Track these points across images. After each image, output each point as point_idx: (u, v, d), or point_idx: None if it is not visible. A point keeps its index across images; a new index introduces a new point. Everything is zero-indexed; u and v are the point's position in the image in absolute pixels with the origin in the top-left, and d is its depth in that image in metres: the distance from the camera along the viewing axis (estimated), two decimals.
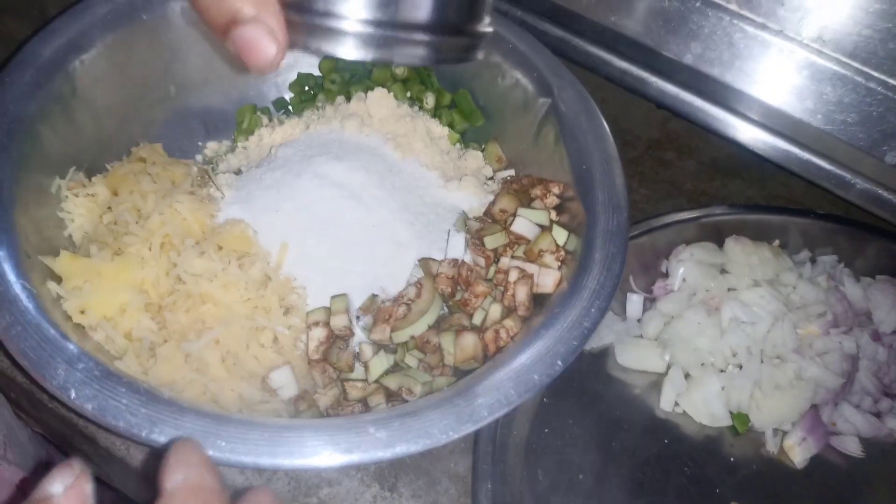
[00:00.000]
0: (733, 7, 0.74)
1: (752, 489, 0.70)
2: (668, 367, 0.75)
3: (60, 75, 0.74)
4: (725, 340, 0.73)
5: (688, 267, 0.77)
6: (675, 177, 0.93)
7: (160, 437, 0.54)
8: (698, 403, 0.73)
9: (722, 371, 0.74)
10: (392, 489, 0.68)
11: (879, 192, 0.77)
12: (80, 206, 0.72)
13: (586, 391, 0.74)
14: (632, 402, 0.74)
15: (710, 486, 0.70)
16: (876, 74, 0.71)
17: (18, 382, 0.73)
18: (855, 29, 0.70)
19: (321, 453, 0.55)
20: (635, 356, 0.75)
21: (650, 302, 0.79)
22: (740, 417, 0.72)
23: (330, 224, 0.72)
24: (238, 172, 0.81)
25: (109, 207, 0.72)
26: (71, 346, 0.57)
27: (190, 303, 0.66)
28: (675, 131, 0.97)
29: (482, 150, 0.84)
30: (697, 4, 0.75)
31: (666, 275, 0.79)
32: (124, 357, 0.64)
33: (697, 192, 0.91)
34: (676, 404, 0.74)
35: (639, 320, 0.78)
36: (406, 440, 0.55)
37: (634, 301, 0.78)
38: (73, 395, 0.55)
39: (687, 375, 0.74)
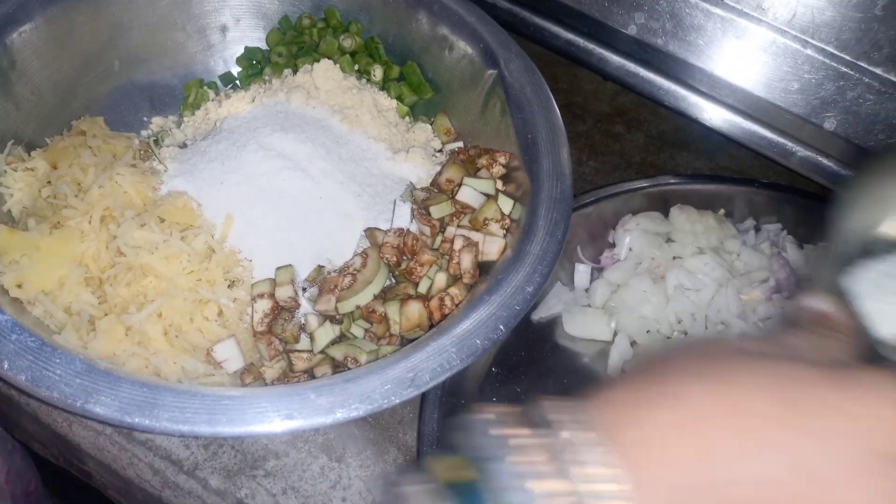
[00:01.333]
0: None
1: None
2: (615, 335, 0.75)
3: None
4: (671, 307, 0.74)
5: (634, 236, 0.78)
6: (624, 149, 0.93)
7: (95, 408, 0.53)
8: None
9: (668, 337, 0.74)
10: (340, 460, 0.68)
11: (819, 158, 0.78)
12: (19, 180, 0.71)
13: (534, 360, 0.75)
14: (579, 370, 0.75)
15: None
16: (814, 42, 0.72)
17: None
18: None
19: (262, 420, 0.54)
20: (582, 325, 0.76)
21: (598, 272, 0.79)
22: None
23: (276, 195, 0.72)
24: (183, 146, 0.80)
25: (49, 181, 0.71)
26: (3, 318, 0.56)
27: (131, 275, 0.66)
28: (624, 105, 0.97)
29: (431, 123, 0.83)
30: None
31: (613, 245, 0.80)
32: (63, 331, 0.63)
33: (646, 164, 0.92)
34: (623, 371, 0.74)
35: (586, 290, 0.79)
36: (347, 405, 0.55)
37: (582, 271, 0.79)
38: (6, 366, 0.54)
39: (633, 342, 0.75)
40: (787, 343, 0.34)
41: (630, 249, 0.78)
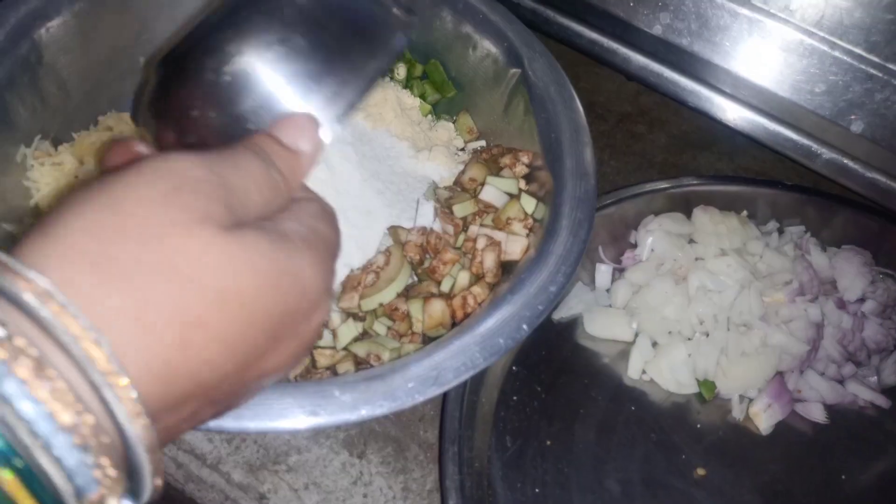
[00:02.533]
0: None
1: (719, 455, 0.71)
2: (636, 336, 0.75)
3: (26, 42, 0.73)
4: (692, 309, 0.74)
5: (656, 237, 0.78)
6: (646, 149, 0.93)
7: None
8: (665, 371, 0.73)
9: (689, 339, 0.74)
10: (361, 456, 0.68)
11: (845, 161, 0.78)
12: (46, 174, 0.72)
13: (555, 360, 0.75)
14: (600, 370, 0.75)
15: (677, 453, 0.71)
16: (842, 44, 0.71)
17: None
18: None
19: (286, 416, 0.55)
20: (604, 325, 0.76)
21: (619, 272, 0.79)
22: (707, 384, 0.73)
23: None
24: None
25: (76, 176, 0.72)
26: None
27: None
28: (646, 105, 0.97)
29: (454, 122, 0.84)
30: None
31: (635, 245, 0.80)
32: None
33: (668, 164, 0.92)
34: (644, 372, 0.74)
35: (608, 290, 0.79)
36: (371, 403, 0.55)
37: (603, 271, 0.79)
38: None
39: (654, 344, 0.75)
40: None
41: (652, 250, 0.78)
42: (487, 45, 0.79)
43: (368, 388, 0.56)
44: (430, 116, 0.84)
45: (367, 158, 0.75)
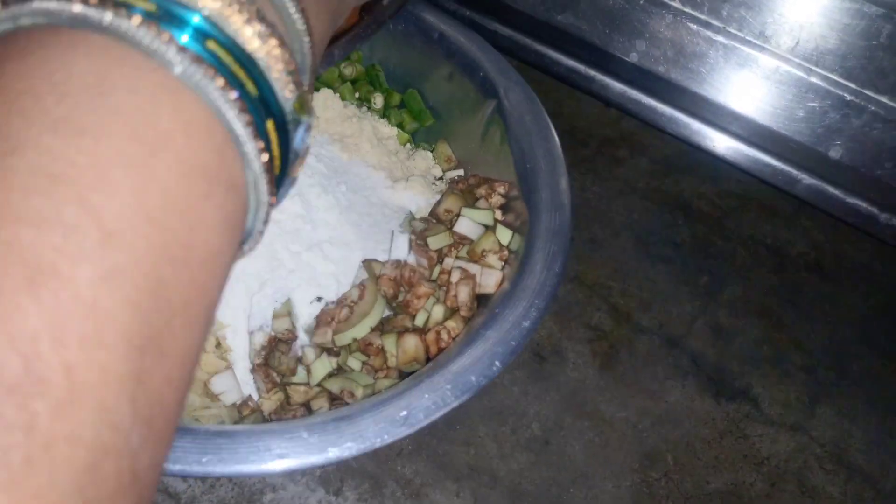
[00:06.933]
0: (676, 5, 0.74)
1: None
2: None
3: None
4: None
5: None
6: (628, 174, 0.93)
7: None
8: None
9: None
10: (337, 493, 0.68)
11: (825, 186, 0.77)
12: None
13: None
14: None
15: None
16: (818, 70, 0.71)
17: None
18: (795, 25, 0.71)
19: (254, 460, 0.54)
20: None
21: None
22: None
23: (273, 224, 0.72)
24: None
25: None
26: None
27: None
28: (628, 129, 0.97)
29: (432, 151, 0.83)
30: (641, 2, 0.75)
31: None
32: None
33: (650, 188, 0.91)
34: None
35: None
36: (339, 444, 0.55)
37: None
38: None
39: None
40: None
41: None
42: (463, 75, 0.79)
43: (337, 429, 0.55)
44: (408, 145, 0.84)
45: (342, 190, 0.75)
